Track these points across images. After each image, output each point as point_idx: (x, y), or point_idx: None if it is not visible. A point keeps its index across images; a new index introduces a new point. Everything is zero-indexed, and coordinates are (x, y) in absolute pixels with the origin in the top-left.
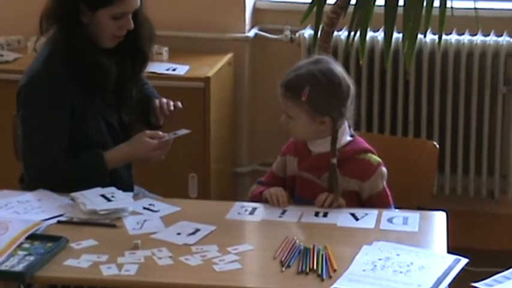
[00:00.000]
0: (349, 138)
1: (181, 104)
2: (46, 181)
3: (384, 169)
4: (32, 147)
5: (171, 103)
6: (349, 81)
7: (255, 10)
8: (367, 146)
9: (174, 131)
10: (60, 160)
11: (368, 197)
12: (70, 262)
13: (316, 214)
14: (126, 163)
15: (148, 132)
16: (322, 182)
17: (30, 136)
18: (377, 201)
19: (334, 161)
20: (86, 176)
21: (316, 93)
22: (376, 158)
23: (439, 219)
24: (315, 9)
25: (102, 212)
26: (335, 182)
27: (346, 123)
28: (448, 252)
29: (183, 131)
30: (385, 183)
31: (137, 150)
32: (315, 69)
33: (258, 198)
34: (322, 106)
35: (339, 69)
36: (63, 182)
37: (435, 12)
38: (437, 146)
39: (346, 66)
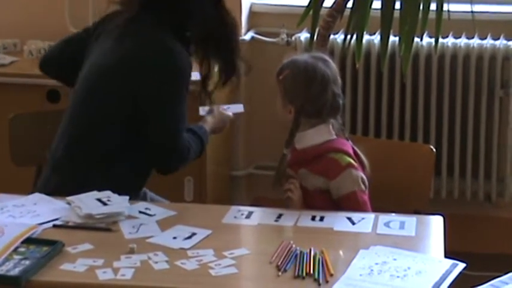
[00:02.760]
0: (328, 138)
1: None
2: (186, 161)
3: (356, 172)
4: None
5: None
6: (331, 87)
7: (251, 13)
8: (342, 147)
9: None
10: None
11: (337, 198)
12: (66, 266)
13: (313, 218)
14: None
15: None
16: (298, 177)
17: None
18: (346, 204)
19: (285, 151)
20: (201, 149)
21: (289, 79)
22: (346, 158)
23: (436, 223)
24: (311, 12)
25: (98, 216)
26: (279, 171)
27: (327, 126)
28: (446, 256)
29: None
30: (359, 188)
31: (221, 123)
32: (305, 59)
33: None
34: (289, 92)
35: (324, 70)
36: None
37: (432, 15)
38: (434, 149)
39: (343, 70)
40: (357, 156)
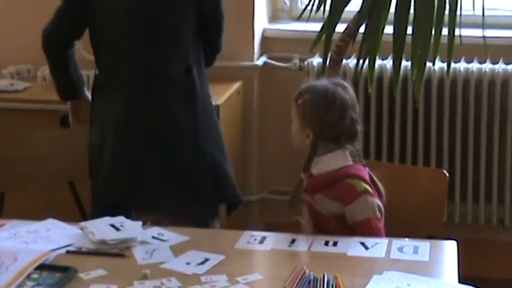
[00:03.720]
0: (345, 164)
1: None
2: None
3: (372, 199)
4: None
5: None
6: (350, 112)
7: (264, 38)
8: (359, 173)
9: None
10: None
11: (352, 224)
12: None
13: (326, 243)
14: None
15: None
16: (314, 203)
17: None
18: (360, 231)
19: (302, 176)
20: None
21: (309, 103)
22: (363, 184)
23: (449, 248)
24: (323, 37)
25: (111, 242)
26: (295, 196)
27: (344, 152)
28: (459, 281)
29: None
30: (375, 215)
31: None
32: (325, 84)
33: None
34: (308, 117)
35: (343, 96)
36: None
37: (444, 40)
38: (447, 174)
39: (355, 94)
40: (373, 182)
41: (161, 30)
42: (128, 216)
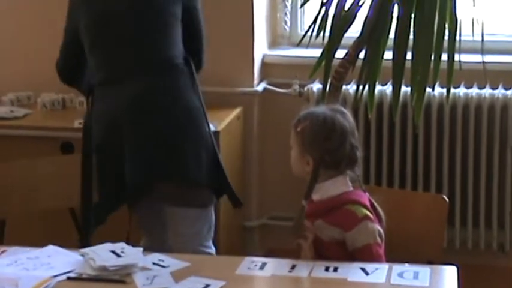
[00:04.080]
0: (345, 190)
1: None
2: None
3: (372, 225)
4: None
5: None
6: (349, 139)
7: (264, 64)
8: (359, 199)
9: None
10: None
11: (352, 250)
12: None
13: (327, 269)
14: None
15: None
16: (314, 229)
17: None
18: (360, 257)
19: (303, 203)
20: None
21: (308, 130)
22: (363, 210)
23: (450, 273)
24: (323, 63)
25: (112, 268)
26: (297, 223)
27: (345, 178)
28: None
29: None
30: (375, 241)
31: None
32: (323, 111)
33: None
34: (308, 144)
35: (342, 122)
36: None
37: (443, 65)
38: (447, 199)
39: (355, 120)
40: (373, 208)
41: (158, 24)
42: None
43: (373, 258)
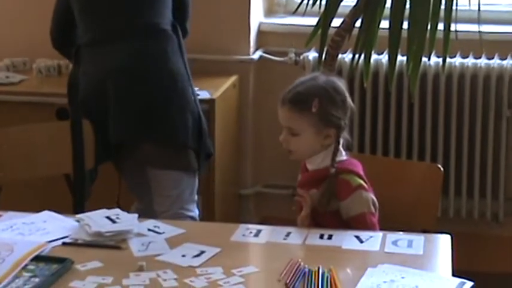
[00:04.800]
0: (342, 158)
1: None
2: None
3: (367, 194)
4: None
5: None
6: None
7: (260, 33)
8: (353, 168)
9: None
10: None
11: (346, 218)
12: (75, 284)
13: (321, 236)
14: None
15: None
16: (313, 198)
17: None
18: (355, 226)
19: (333, 170)
20: None
21: (325, 104)
22: (357, 179)
23: (443, 242)
24: (319, 31)
25: (107, 234)
26: (328, 191)
27: (339, 146)
28: (453, 275)
29: None
30: (369, 210)
31: None
32: (319, 81)
33: None
34: (331, 117)
35: (340, 82)
36: None
37: (439, 35)
38: (442, 169)
39: (351, 89)
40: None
41: None
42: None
43: (367, 226)
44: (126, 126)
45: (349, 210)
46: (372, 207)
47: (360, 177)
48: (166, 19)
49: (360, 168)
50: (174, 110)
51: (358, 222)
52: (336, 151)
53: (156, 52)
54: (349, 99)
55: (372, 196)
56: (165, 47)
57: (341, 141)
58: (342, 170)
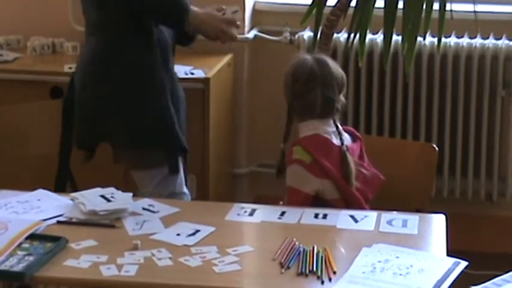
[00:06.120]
0: (313, 133)
1: None
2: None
3: (301, 171)
4: None
5: None
6: (320, 87)
7: (255, 11)
8: (307, 142)
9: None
10: None
11: (286, 188)
12: (70, 262)
13: (316, 216)
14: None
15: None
16: None
17: None
18: (285, 196)
19: (282, 146)
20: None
21: (284, 76)
22: (300, 153)
23: (438, 221)
24: (314, 11)
25: (102, 213)
26: (279, 166)
27: (317, 122)
28: (447, 255)
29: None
30: (298, 187)
31: (211, 19)
32: (301, 59)
33: None
34: (283, 88)
35: (312, 71)
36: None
37: (434, 14)
38: (436, 148)
39: (346, 68)
40: (342, 164)
41: None
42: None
43: (291, 201)
44: (79, 131)
45: (286, 180)
46: (304, 187)
47: (309, 153)
48: (125, 14)
49: (316, 148)
50: (125, 109)
51: (286, 193)
52: (286, 125)
53: (107, 50)
54: (308, 86)
55: (307, 175)
56: (118, 45)
57: (310, 124)
58: (295, 143)
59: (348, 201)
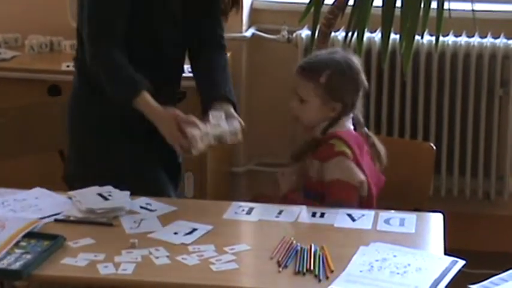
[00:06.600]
0: (340, 129)
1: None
2: (97, 46)
3: (347, 162)
4: (96, 6)
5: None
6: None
7: (253, 10)
8: (344, 136)
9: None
10: (116, 41)
11: (326, 183)
12: (67, 261)
13: (313, 214)
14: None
15: (181, 116)
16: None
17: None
18: (329, 190)
19: (318, 133)
20: (112, 88)
21: (336, 78)
22: (342, 146)
23: (435, 220)
24: (312, 9)
25: (99, 211)
26: (306, 145)
27: (350, 118)
28: (445, 253)
29: (230, 126)
30: (348, 180)
31: (162, 127)
32: (335, 56)
33: None
34: (338, 91)
35: (356, 60)
36: (100, 69)
37: (432, 13)
38: (434, 147)
39: None
40: (371, 148)
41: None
42: None
43: (338, 195)
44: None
45: (327, 175)
46: (352, 178)
47: (348, 146)
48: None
49: (354, 143)
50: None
51: (331, 187)
52: (333, 121)
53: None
54: (362, 78)
55: (356, 169)
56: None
57: (346, 117)
58: (333, 136)
59: (364, 200)
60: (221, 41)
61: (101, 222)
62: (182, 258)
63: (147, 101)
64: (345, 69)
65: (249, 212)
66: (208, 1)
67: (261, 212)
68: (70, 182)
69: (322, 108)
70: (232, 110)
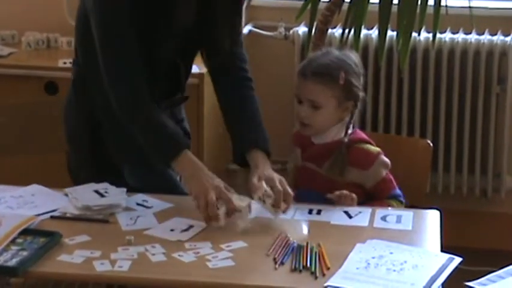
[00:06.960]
0: (351, 130)
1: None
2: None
3: (385, 158)
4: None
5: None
6: None
7: (250, 7)
8: (365, 137)
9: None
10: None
11: (373, 185)
12: (63, 257)
13: (310, 211)
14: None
15: (220, 186)
16: (322, 171)
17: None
18: (382, 187)
19: (346, 140)
20: (151, 149)
21: (350, 77)
22: (370, 147)
23: (432, 217)
24: (309, 6)
25: (96, 208)
26: (341, 160)
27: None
28: (442, 250)
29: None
30: (389, 174)
31: (192, 188)
32: (337, 54)
33: None
34: (352, 88)
35: (353, 54)
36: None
37: (429, 10)
38: (431, 144)
39: None
40: None
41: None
42: None
43: (392, 183)
44: None
45: (376, 177)
46: (389, 167)
47: (373, 144)
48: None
49: (365, 136)
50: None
51: (384, 183)
52: (351, 121)
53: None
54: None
55: (386, 158)
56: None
57: (356, 113)
58: (356, 140)
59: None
60: (245, 72)
61: (97, 219)
62: (178, 255)
63: (189, 158)
64: (353, 67)
65: None
66: (227, 13)
67: (258, 209)
68: (74, 174)
69: (336, 110)
70: (274, 175)
